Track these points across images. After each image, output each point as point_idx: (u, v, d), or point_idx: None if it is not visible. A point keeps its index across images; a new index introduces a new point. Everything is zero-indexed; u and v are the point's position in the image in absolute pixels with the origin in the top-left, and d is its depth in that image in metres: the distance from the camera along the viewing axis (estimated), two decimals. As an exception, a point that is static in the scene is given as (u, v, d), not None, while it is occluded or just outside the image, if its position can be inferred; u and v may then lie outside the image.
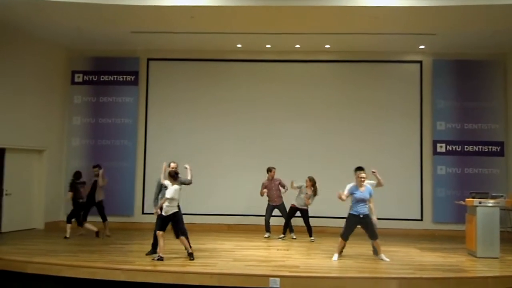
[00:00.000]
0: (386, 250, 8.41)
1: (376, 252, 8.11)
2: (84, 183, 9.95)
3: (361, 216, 7.75)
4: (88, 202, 9.91)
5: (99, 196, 9.98)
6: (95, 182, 9.99)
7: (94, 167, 10.17)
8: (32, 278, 7.12)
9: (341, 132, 11.54)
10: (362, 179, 7.82)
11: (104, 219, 10.01)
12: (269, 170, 10.18)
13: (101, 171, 10.02)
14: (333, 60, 11.77)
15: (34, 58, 10.85)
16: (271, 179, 10.16)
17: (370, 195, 7.83)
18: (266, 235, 10.10)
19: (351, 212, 7.85)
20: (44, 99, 11.17)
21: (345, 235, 7.90)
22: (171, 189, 7.47)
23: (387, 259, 7.81)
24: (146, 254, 7.87)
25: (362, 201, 7.76)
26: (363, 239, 8.35)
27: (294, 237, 9.99)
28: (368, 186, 7.91)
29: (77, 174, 9.94)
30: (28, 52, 10.69)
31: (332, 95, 11.66)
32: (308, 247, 9.09)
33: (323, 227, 10.73)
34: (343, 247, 8.01)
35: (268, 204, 10.22)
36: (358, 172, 7.90)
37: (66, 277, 6.96)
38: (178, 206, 7.66)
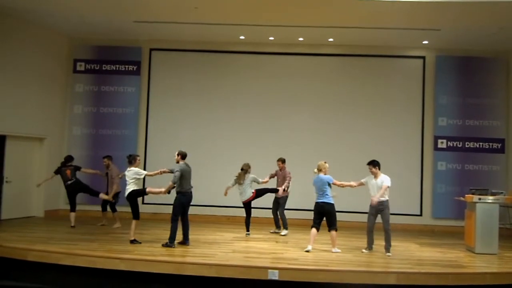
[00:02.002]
0: (385, 245, 8.42)
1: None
2: (71, 166, 9.62)
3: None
4: (106, 193, 9.94)
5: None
6: (107, 174, 9.99)
7: (104, 158, 10.09)
8: (32, 266, 7.14)
9: (342, 126, 11.55)
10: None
11: (113, 210, 9.98)
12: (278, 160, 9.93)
13: (114, 166, 9.99)
14: (336, 54, 11.74)
15: (36, 46, 10.80)
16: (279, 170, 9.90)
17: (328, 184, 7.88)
18: (272, 230, 9.97)
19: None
20: (45, 87, 11.14)
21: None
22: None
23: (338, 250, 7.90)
24: (178, 243, 8.03)
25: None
26: (363, 233, 8.34)
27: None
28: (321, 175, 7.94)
29: (66, 158, 9.80)
30: (30, 40, 10.65)
31: (334, 89, 11.65)
32: (308, 241, 9.07)
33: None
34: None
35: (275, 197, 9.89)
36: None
37: (66, 265, 6.98)
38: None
